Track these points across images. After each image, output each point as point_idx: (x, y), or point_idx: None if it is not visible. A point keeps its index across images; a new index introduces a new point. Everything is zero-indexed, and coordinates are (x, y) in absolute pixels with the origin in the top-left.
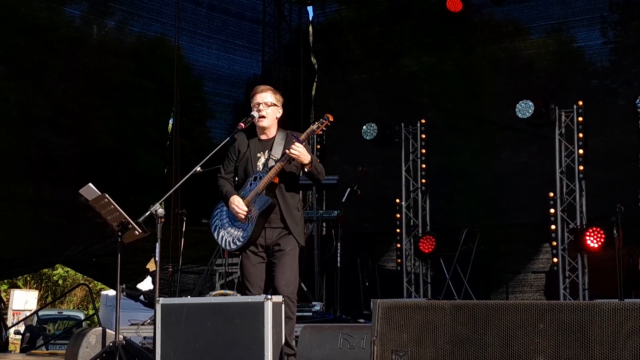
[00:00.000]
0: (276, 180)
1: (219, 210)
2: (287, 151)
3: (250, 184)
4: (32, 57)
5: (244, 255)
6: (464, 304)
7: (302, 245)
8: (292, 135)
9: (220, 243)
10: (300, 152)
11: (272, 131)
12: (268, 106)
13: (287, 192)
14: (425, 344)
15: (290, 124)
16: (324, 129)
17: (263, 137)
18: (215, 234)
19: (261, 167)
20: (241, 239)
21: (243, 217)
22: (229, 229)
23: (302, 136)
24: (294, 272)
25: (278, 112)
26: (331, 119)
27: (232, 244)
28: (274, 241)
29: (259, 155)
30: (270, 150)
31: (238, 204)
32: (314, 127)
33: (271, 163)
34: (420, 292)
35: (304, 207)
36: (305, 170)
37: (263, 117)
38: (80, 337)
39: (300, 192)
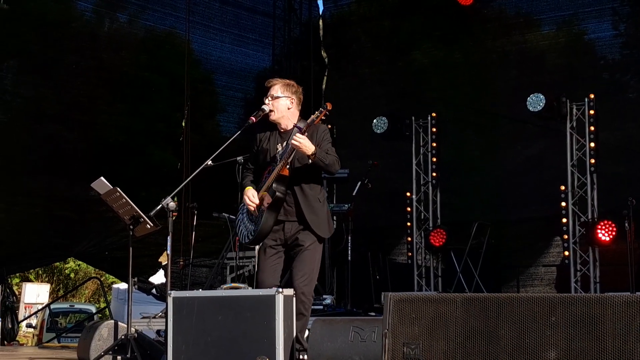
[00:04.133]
0: (285, 172)
1: (242, 204)
2: (290, 141)
3: (265, 177)
4: (43, 52)
5: (260, 250)
6: (475, 297)
7: (324, 238)
8: (296, 126)
9: (239, 237)
10: (301, 143)
11: (287, 123)
12: (274, 99)
13: (306, 183)
14: (436, 337)
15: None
16: (323, 117)
17: (281, 129)
18: (237, 228)
19: (279, 160)
20: (252, 233)
21: (252, 209)
22: (246, 222)
23: (304, 127)
24: (312, 269)
25: (289, 103)
26: (329, 107)
27: (246, 238)
28: (293, 235)
29: (277, 147)
30: (288, 141)
31: (248, 195)
32: (314, 116)
33: (281, 152)
34: (431, 286)
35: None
36: (310, 161)
37: (271, 110)
38: (93, 330)
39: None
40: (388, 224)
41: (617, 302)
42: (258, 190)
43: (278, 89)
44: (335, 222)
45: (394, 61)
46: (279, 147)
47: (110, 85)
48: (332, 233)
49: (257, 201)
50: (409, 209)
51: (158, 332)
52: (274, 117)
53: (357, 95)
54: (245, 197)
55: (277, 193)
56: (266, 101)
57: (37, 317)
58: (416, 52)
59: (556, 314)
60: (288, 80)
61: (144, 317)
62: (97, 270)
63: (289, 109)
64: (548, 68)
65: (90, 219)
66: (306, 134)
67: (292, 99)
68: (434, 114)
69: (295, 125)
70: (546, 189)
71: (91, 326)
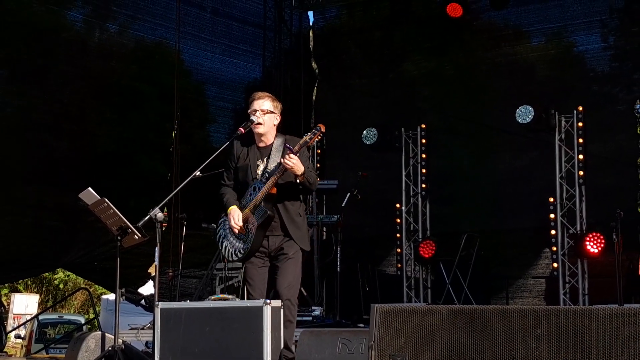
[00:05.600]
0: (274, 191)
1: (222, 219)
2: (282, 160)
3: (250, 194)
4: (33, 61)
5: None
6: (461, 309)
7: (306, 250)
8: (287, 146)
9: (223, 253)
10: (295, 163)
11: (269, 138)
12: (265, 113)
13: (287, 200)
14: (422, 349)
15: (290, 129)
16: (317, 139)
17: (261, 144)
18: (220, 244)
19: (260, 176)
20: (242, 251)
21: (236, 231)
22: (231, 239)
23: (296, 147)
24: (296, 276)
25: (276, 119)
26: (323, 129)
27: (234, 255)
28: (278, 247)
29: (258, 163)
30: (269, 157)
31: (234, 216)
32: (307, 138)
33: (270, 171)
34: (420, 297)
35: (305, 210)
36: (297, 181)
37: (259, 124)
38: (80, 341)
39: (301, 197)
40: (377, 235)
41: (602, 314)
42: (242, 208)
43: (270, 103)
44: (325, 233)
45: (385, 72)
46: (260, 163)
47: (100, 95)
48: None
49: (240, 223)
50: (398, 220)
51: (147, 343)
52: (261, 130)
53: (347, 106)
54: (231, 219)
55: (268, 212)
56: (257, 114)
57: (25, 327)
58: (407, 63)
59: (542, 326)
60: (274, 97)
61: (132, 328)
62: (86, 281)
63: (274, 125)
64: (538, 79)
65: (79, 229)
66: (298, 154)
67: (277, 115)
68: (423, 125)
69: (286, 146)
70: (535, 200)
71: (78, 337)
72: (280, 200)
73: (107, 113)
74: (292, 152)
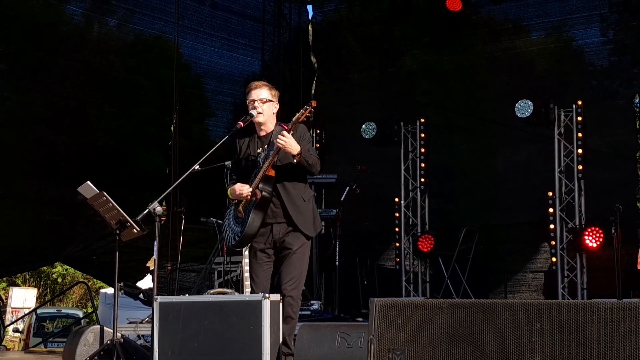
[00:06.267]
0: (271, 173)
1: (228, 209)
2: (275, 140)
3: (251, 180)
4: (32, 55)
5: (251, 253)
6: (460, 303)
7: (311, 237)
8: (280, 125)
9: (226, 241)
10: (287, 142)
11: (269, 126)
12: (263, 102)
13: (289, 182)
14: (422, 343)
15: (288, 122)
16: (308, 115)
17: (262, 133)
18: (224, 232)
19: (261, 163)
20: (239, 235)
21: (248, 194)
22: (233, 226)
23: (288, 126)
24: (300, 272)
25: (274, 107)
26: (314, 104)
27: (232, 240)
28: (282, 238)
29: (259, 151)
30: (269, 145)
31: (239, 187)
32: (298, 115)
33: (266, 153)
34: (418, 291)
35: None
36: (295, 161)
37: (259, 113)
38: (78, 335)
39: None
40: (376, 230)
41: (602, 308)
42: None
43: (267, 92)
44: (323, 226)
45: (384, 66)
46: (260, 151)
47: (99, 89)
48: (319, 232)
49: (247, 187)
50: (397, 214)
51: (143, 336)
52: (260, 119)
53: (346, 100)
54: (237, 191)
55: (263, 193)
56: (255, 104)
57: (23, 321)
58: (406, 58)
59: (541, 320)
60: (270, 85)
61: (130, 322)
62: (84, 274)
63: (273, 113)
64: (537, 74)
65: (78, 223)
66: (291, 132)
67: (275, 103)
68: (422, 120)
69: (278, 124)
70: (534, 194)
71: (77, 331)
72: (281, 183)
73: (106, 107)
74: (286, 131)
